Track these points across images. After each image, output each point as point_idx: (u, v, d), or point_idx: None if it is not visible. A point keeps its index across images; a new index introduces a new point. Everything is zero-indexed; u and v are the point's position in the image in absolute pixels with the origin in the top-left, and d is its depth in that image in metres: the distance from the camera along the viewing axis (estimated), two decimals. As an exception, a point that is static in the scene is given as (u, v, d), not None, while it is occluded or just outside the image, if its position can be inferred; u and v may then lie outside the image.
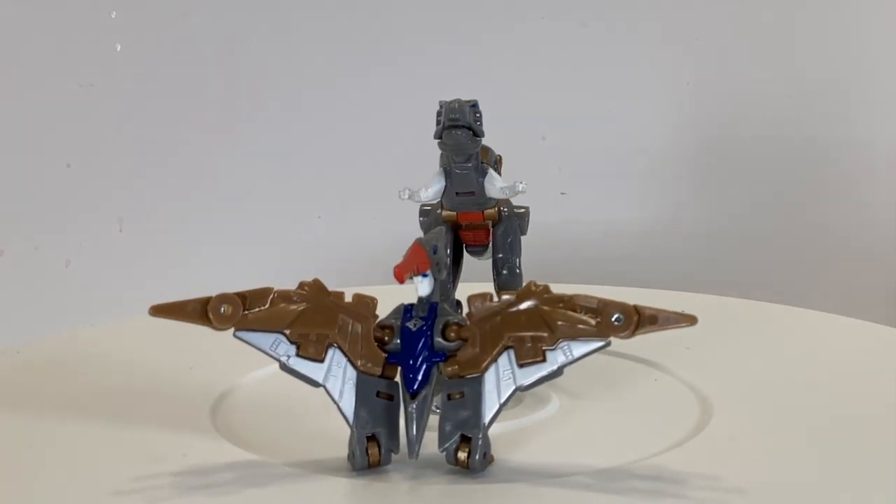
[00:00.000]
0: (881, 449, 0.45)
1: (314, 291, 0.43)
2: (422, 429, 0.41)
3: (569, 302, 0.41)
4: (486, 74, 1.03)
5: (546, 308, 0.41)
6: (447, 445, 0.42)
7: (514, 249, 0.55)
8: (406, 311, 0.43)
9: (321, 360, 0.42)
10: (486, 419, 0.41)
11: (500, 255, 0.54)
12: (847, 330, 0.64)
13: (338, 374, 0.42)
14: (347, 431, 0.48)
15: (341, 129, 1.02)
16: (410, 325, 0.43)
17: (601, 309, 0.40)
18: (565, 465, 0.44)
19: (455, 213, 0.53)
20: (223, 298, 0.42)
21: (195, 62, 0.99)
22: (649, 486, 0.42)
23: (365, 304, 0.43)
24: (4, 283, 0.95)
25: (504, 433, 0.47)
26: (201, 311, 0.42)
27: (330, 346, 0.42)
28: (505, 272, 0.54)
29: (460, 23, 1.03)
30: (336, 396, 0.42)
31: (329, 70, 1.02)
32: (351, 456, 0.42)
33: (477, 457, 0.41)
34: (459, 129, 0.48)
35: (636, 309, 0.40)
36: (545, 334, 0.41)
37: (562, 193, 1.05)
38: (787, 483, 0.42)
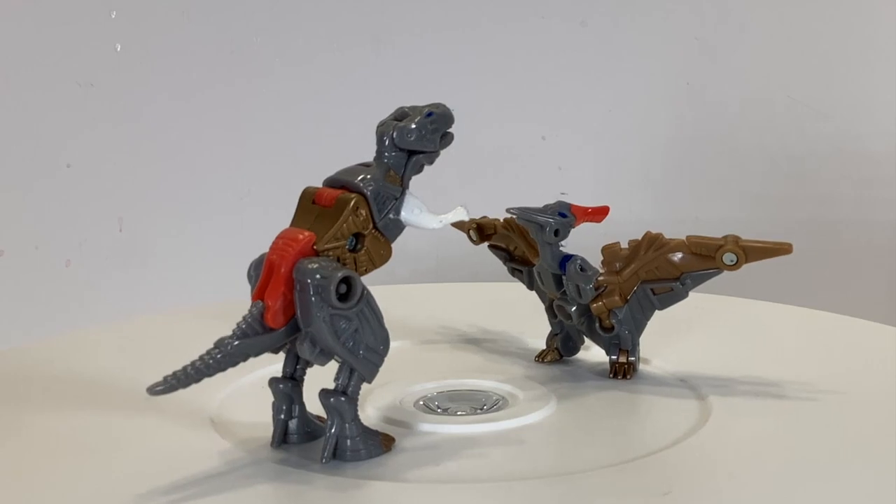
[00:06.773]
0: (881, 448, 0.45)
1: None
2: None
3: (685, 244, 0.51)
4: (486, 74, 1.03)
5: (668, 253, 0.51)
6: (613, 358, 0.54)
7: None
8: None
9: None
10: (638, 335, 0.53)
11: None
12: (847, 330, 0.64)
13: None
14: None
15: (342, 129, 1.02)
16: None
17: (715, 253, 0.50)
18: (565, 463, 0.44)
19: None
20: None
21: (195, 62, 0.99)
22: (648, 485, 0.42)
23: None
24: (4, 283, 0.95)
25: (504, 432, 0.47)
26: None
27: None
28: None
29: (460, 22, 1.03)
30: None
31: (330, 71, 1.02)
32: None
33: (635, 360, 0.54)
34: None
35: (744, 250, 0.49)
36: (673, 272, 0.52)
37: (562, 193, 1.05)
38: (787, 481, 0.42)
